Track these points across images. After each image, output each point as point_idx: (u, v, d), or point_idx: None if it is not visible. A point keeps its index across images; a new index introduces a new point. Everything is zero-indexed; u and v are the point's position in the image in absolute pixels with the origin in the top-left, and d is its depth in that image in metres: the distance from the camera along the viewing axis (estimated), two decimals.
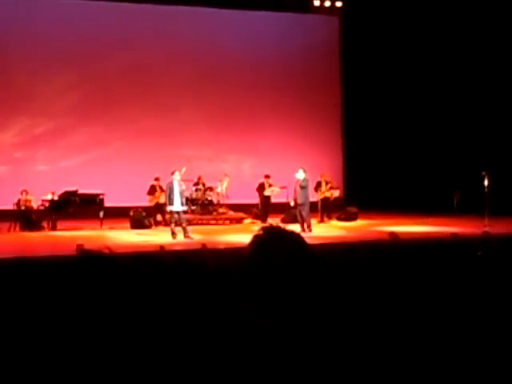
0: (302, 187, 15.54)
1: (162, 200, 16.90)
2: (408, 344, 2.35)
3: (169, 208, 14.79)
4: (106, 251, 1.79)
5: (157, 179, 17.84)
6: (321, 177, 19.24)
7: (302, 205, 15.45)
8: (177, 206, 14.59)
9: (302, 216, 15.42)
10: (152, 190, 17.92)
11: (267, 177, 18.85)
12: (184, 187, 15.56)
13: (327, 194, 18.94)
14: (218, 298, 2.53)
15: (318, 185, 19.03)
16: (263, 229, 1.89)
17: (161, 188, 17.37)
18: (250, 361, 1.69)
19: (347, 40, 24.13)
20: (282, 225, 1.91)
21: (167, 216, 16.14)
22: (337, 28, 24.49)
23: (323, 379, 1.72)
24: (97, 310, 1.64)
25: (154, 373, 1.69)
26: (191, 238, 14.14)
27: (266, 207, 18.53)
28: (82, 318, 1.64)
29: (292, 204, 15.99)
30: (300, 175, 15.65)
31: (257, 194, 18.90)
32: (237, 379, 1.69)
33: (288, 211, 17.31)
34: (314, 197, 17.88)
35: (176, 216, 14.59)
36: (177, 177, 14.84)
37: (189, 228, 14.78)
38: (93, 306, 1.64)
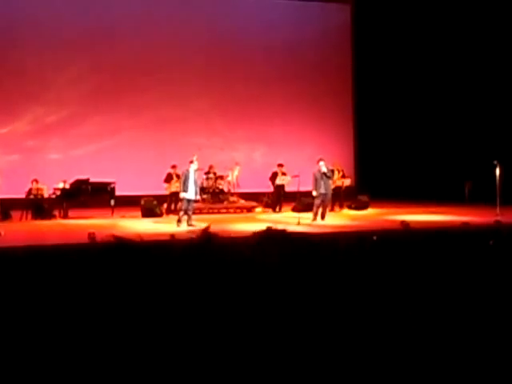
0: (329, 178, 16.02)
1: (174, 188, 16.94)
2: (419, 331, 2.35)
3: (182, 195, 14.75)
4: (138, 239, 1.79)
5: (173, 167, 17.72)
6: (333, 165, 19.16)
7: (325, 194, 15.81)
8: (190, 194, 14.60)
9: (324, 205, 15.86)
10: (168, 178, 17.82)
11: (280, 165, 18.72)
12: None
13: (338, 183, 18.88)
14: (223, 288, 2.53)
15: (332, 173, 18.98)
16: (266, 230, 1.90)
17: (177, 176, 17.21)
18: (251, 352, 1.70)
19: (359, 28, 23.99)
20: (288, 227, 1.92)
21: (179, 204, 16.12)
22: (349, 16, 24.35)
23: (332, 370, 1.73)
24: (125, 295, 1.65)
25: (169, 353, 1.70)
26: (194, 226, 14.03)
27: (278, 196, 18.50)
28: (100, 304, 1.65)
29: (314, 194, 15.93)
30: (323, 167, 15.80)
31: (270, 182, 18.81)
32: (239, 368, 1.70)
33: (299, 200, 17.30)
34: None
35: (186, 204, 14.58)
36: (194, 166, 14.86)
37: (200, 216, 14.77)
38: (122, 291, 1.65)
